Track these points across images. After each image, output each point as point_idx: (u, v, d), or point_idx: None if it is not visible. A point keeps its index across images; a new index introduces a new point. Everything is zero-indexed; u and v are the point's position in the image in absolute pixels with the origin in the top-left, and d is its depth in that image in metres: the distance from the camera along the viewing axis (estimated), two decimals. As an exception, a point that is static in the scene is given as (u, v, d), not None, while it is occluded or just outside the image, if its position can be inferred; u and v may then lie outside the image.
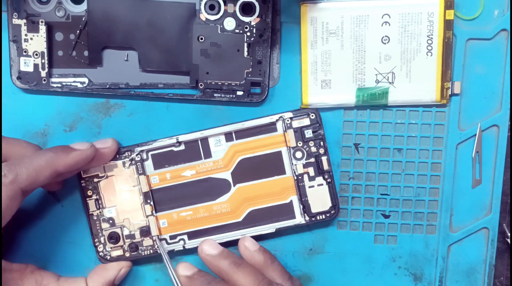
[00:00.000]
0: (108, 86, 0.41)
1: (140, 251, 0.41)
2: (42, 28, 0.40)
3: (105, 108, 0.41)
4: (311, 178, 0.40)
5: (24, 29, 0.40)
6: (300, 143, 0.40)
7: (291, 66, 0.41)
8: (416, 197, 0.41)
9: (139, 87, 0.41)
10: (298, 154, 0.40)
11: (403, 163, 0.41)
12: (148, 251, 0.41)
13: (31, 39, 0.40)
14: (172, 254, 0.41)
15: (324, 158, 0.40)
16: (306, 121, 0.39)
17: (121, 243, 0.41)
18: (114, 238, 0.40)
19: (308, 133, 0.39)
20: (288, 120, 0.39)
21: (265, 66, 0.40)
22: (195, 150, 0.40)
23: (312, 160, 0.40)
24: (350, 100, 0.40)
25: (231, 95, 0.40)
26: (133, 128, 0.41)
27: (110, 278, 0.39)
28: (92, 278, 0.39)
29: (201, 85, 0.40)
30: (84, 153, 0.37)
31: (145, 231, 0.40)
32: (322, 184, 0.40)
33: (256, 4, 0.39)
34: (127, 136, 0.41)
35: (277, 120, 0.40)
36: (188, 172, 0.40)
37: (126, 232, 0.41)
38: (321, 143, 0.40)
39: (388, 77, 0.40)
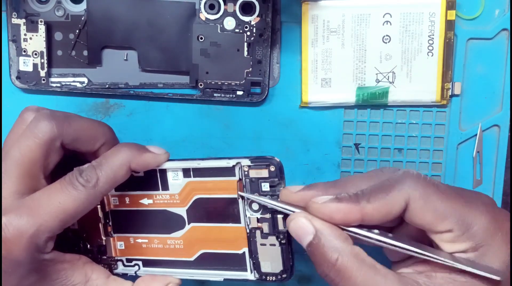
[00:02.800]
0: (107, 86, 0.41)
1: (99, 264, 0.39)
2: (42, 28, 0.40)
3: (104, 108, 0.41)
4: (264, 236, 0.35)
5: (23, 28, 0.40)
6: (256, 195, 0.34)
7: (291, 65, 0.41)
8: (416, 197, 0.41)
9: (138, 87, 0.41)
10: (255, 206, 0.34)
11: (403, 163, 0.41)
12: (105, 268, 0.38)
13: (30, 38, 0.40)
14: (126, 277, 0.39)
15: (279, 217, 0.34)
16: (264, 173, 0.34)
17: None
18: (77, 246, 0.39)
19: (265, 187, 0.34)
20: (246, 168, 0.34)
21: (265, 66, 0.40)
22: (154, 180, 0.37)
23: (268, 216, 0.34)
24: (350, 99, 0.40)
25: (231, 95, 0.40)
26: (133, 128, 0.41)
27: None
28: (139, 285, 0.37)
29: (201, 84, 0.40)
30: (157, 158, 0.35)
31: (103, 251, 0.39)
32: (274, 245, 0.35)
33: (256, 3, 0.39)
34: (126, 136, 0.41)
35: (234, 166, 0.34)
36: (145, 200, 0.37)
37: (86, 246, 0.39)
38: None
39: (388, 76, 0.40)
